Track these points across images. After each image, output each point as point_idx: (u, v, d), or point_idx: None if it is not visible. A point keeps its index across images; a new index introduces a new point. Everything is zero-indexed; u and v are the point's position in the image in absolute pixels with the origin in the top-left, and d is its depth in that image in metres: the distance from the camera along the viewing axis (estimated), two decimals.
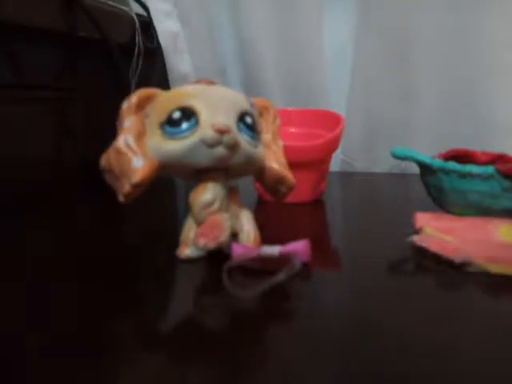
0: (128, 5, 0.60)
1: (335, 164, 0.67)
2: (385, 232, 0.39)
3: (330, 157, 0.51)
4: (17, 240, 0.37)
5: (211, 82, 0.32)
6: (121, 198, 0.30)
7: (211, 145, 0.28)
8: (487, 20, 0.59)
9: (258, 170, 0.33)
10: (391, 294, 0.27)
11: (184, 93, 0.30)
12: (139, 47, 0.58)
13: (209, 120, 0.28)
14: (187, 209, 0.31)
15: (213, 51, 0.68)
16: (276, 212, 0.45)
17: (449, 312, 0.25)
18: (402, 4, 0.61)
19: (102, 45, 0.51)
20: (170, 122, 0.28)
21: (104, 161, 0.30)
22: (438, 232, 0.34)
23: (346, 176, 0.67)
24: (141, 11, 0.61)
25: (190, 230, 0.31)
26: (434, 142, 0.62)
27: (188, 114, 0.28)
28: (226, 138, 0.28)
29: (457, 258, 0.29)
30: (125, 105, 0.30)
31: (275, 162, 0.33)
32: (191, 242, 0.31)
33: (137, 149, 0.29)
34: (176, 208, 0.54)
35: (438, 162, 0.39)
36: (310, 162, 0.46)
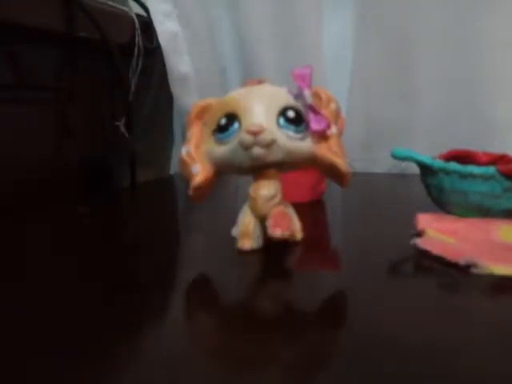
0: (128, 5, 0.60)
1: None
2: (385, 232, 0.39)
3: None
4: (17, 240, 0.37)
5: (260, 81, 0.34)
6: (191, 198, 0.33)
7: (246, 147, 0.30)
8: (487, 20, 0.59)
9: (310, 160, 0.33)
10: (392, 294, 0.27)
11: (229, 99, 0.32)
12: (139, 47, 0.58)
13: (248, 122, 0.30)
14: (248, 203, 0.32)
15: (213, 51, 0.68)
16: None
17: (451, 314, 0.25)
18: (401, 4, 0.61)
19: (101, 45, 0.51)
20: (220, 129, 0.31)
21: (179, 169, 0.35)
22: (440, 234, 0.34)
23: None
24: (140, 11, 0.61)
25: (249, 223, 0.33)
26: (434, 142, 0.62)
27: (232, 119, 0.31)
28: (259, 138, 0.29)
29: (461, 260, 0.29)
30: (186, 118, 0.34)
31: (326, 149, 0.33)
32: (252, 235, 0.32)
33: (195, 156, 0.33)
34: (176, 208, 0.54)
35: (438, 163, 0.39)
36: None
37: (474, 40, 0.60)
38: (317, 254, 0.31)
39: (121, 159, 0.57)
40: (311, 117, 0.31)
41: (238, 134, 0.30)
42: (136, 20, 0.58)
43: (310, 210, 0.47)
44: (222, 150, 0.31)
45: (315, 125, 0.31)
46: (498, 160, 0.41)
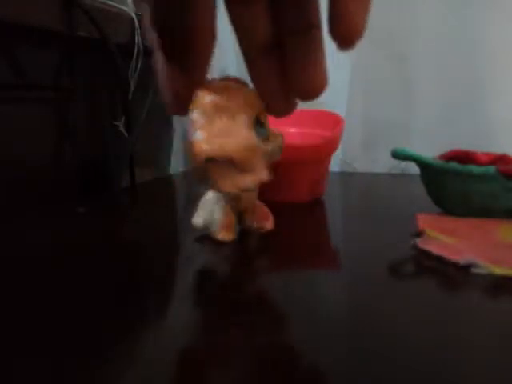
0: (127, 4, 0.60)
1: (335, 164, 0.67)
2: (385, 232, 0.38)
3: (330, 157, 0.51)
4: (16, 240, 0.37)
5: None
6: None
7: None
8: (487, 20, 0.59)
9: None
10: (392, 294, 0.27)
11: None
12: (139, 47, 0.58)
13: None
14: (225, 197, 0.34)
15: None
16: (275, 212, 0.45)
17: (451, 314, 0.25)
18: (401, 4, 0.61)
19: (101, 45, 0.51)
20: None
21: None
22: (440, 234, 0.34)
23: (346, 176, 0.67)
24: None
25: (226, 216, 0.34)
26: (434, 142, 0.62)
27: None
28: None
29: (461, 260, 0.29)
30: None
31: None
32: (232, 227, 0.34)
33: None
34: (175, 208, 0.53)
35: (438, 163, 0.39)
36: (310, 162, 0.46)
37: (473, 40, 0.60)
38: (316, 253, 0.31)
39: (120, 159, 0.57)
40: None
41: None
42: (136, 19, 0.58)
43: (310, 210, 0.47)
44: None
45: None
46: (498, 160, 0.41)
